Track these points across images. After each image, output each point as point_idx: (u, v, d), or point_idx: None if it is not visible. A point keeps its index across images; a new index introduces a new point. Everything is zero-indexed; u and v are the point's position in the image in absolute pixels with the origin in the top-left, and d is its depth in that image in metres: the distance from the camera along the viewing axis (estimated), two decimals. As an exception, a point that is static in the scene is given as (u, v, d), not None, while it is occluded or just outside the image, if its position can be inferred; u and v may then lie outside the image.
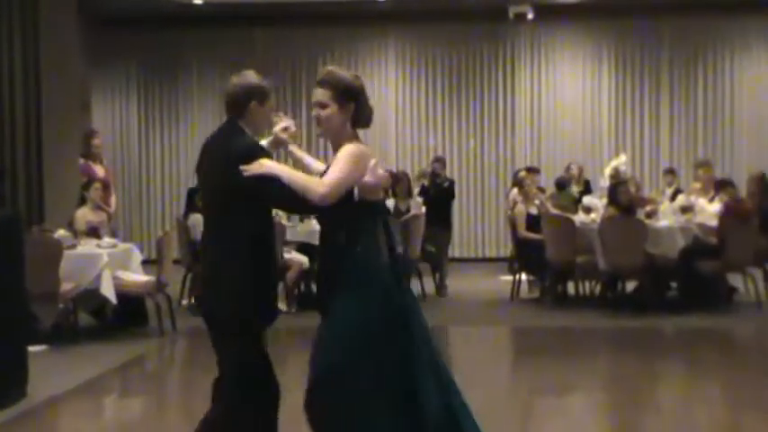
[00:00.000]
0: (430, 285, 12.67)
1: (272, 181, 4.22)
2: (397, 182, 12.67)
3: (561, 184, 13.63)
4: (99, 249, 9.75)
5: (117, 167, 16.52)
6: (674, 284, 12.11)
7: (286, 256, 11.34)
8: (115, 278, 9.66)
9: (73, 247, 9.65)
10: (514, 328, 11.06)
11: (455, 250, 15.79)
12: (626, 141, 16.86)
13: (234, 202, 4.36)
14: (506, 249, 15.53)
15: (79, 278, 9.45)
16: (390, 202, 12.29)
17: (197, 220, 11.64)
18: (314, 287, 12.12)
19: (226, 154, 4.37)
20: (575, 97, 16.98)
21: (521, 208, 12.14)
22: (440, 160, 13.76)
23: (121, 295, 9.72)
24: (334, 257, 4.31)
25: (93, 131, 11.82)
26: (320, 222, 4.57)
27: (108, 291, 9.47)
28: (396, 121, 17.15)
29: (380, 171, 4.41)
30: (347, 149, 4.28)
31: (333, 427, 4.28)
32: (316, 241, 11.35)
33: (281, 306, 11.28)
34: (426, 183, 13.27)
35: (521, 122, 17.03)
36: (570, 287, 12.14)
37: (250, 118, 4.51)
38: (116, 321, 10.20)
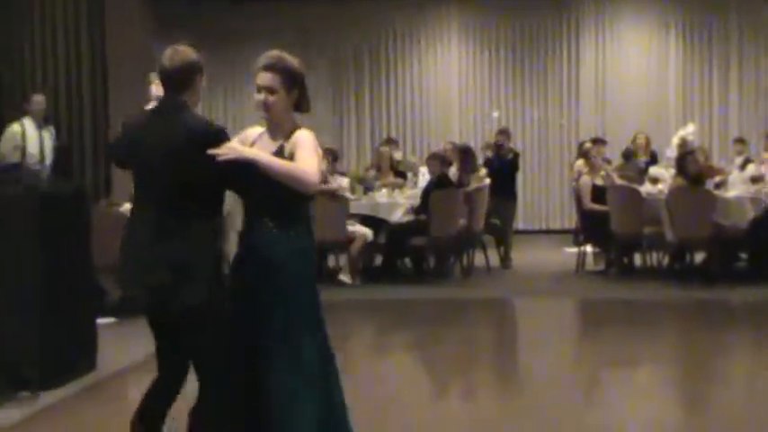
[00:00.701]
0: (494, 258, 12.61)
1: (248, 166, 4.15)
2: (460, 154, 12.62)
3: (627, 155, 13.45)
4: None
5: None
6: (743, 255, 11.92)
7: (350, 228, 11.34)
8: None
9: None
10: (580, 301, 10.97)
11: (519, 222, 15.68)
12: (693, 110, 16.59)
13: (201, 185, 4.24)
14: (571, 221, 15.42)
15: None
16: (454, 175, 12.25)
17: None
18: (377, 259, 12.17)
19: (187, 134, 4.23)
20: (640, 67, 16.73)
21: (586, 179, 12.01)
22: (504, 132, 13.65)
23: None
24: (272, 241, 4.29)
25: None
26: (254, 207, 4.38)
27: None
28: (459, 93, 17.05)
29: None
30: (307, 136, 4.31)
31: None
32: (379, 214, 11.60)
33: (346, 279, 11.32)
34: (490, 155, 13.21)
35: (586, 93, 16.84)
36: (637, 259, 12.00)
37: (191, 93, 4.39)
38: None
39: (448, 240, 11.56)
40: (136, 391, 7.25)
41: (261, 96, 4.34)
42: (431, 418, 6.21)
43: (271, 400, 4.26)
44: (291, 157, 4.24)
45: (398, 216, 11.63)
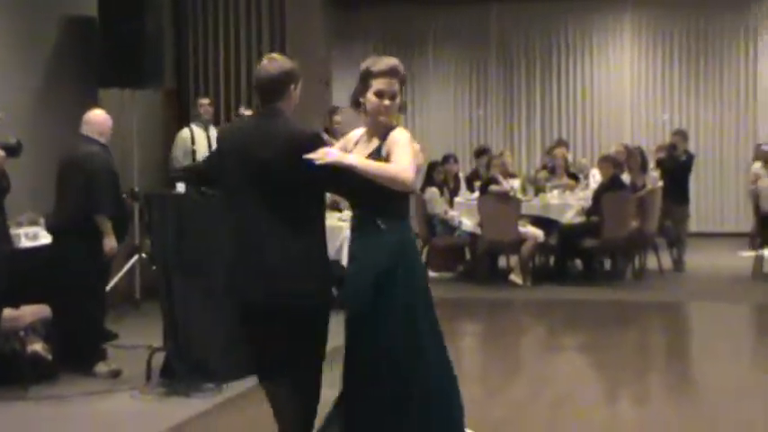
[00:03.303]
0: (667, 260, 12.45)
1: (346, 170, 4.30)
2: (631, 156, 12.54)
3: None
4: (340, 222, 10.06)
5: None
6: None
7: (521, 229, 11.40)
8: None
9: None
10: (757, 306, 10.68)
11: (693, 225, 15.38)
12: None
13: (304, 188, 4.36)
14: (747, 224, 15.07)
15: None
16: (626, 177, 12.17)
17: (433, 194, 11.89)
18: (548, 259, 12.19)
19: (287, 140, 4.37)
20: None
21: (765, 182, 11.73)
22: (680, 133, 13.45)
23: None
24: (389, 238, 4.46)
25: (335, 108, 12.12)
26: (360, 206, 4.57)
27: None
28: (630, 94, 16.86)
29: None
30: (405, 136, 4.47)
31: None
32: (551, 215, 11.63)
33: (517, 279, 11.39)
34: (663, 156, 13.04)
35: (763, 95, 16.38)
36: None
37: (287, 101, 4.53)
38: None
39: (620, 242, 11.50)
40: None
41: (386, 102, 4.49)
42: (602, 421, 6.23)
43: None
44: (389, 156, 4.41)
45: (570, 217, 11.67)
